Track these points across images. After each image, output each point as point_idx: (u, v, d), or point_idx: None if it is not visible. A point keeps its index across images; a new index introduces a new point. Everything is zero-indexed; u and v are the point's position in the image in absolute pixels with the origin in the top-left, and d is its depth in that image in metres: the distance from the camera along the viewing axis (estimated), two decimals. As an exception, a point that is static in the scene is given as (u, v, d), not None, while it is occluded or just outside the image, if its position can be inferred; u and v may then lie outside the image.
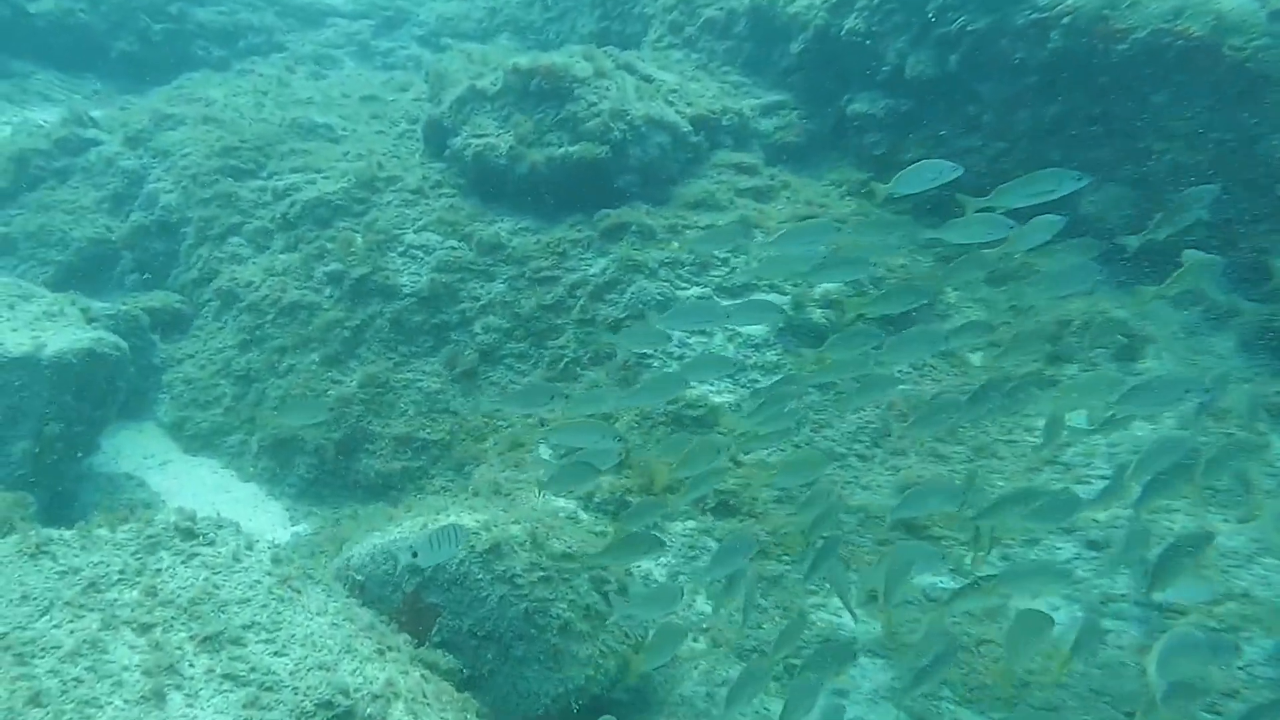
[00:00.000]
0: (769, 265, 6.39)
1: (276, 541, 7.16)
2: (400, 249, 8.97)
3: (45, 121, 12.15)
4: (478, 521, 5.68)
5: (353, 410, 8.02)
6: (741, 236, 6.88)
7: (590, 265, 8.53)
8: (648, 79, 9.55)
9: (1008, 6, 7.45)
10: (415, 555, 4.43)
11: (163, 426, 8.69)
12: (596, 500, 7.01)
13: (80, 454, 7.21)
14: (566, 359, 8.15)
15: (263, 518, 7.66)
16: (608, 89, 9.09)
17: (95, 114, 12.02)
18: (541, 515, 6.40)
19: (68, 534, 4.52)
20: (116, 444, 8.25)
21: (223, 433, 8.49)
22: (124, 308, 8.74)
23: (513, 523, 5.81)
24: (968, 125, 8.06)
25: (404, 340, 8.52)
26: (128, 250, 10.04)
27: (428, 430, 7.98)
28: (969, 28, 7.66)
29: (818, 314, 7.75)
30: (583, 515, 7.00)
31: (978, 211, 4.99)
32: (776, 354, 7.66)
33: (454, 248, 8.90)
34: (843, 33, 8.80)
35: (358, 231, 9.16)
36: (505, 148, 9.13)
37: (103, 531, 4.64)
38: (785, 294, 7.96)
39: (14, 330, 7.16)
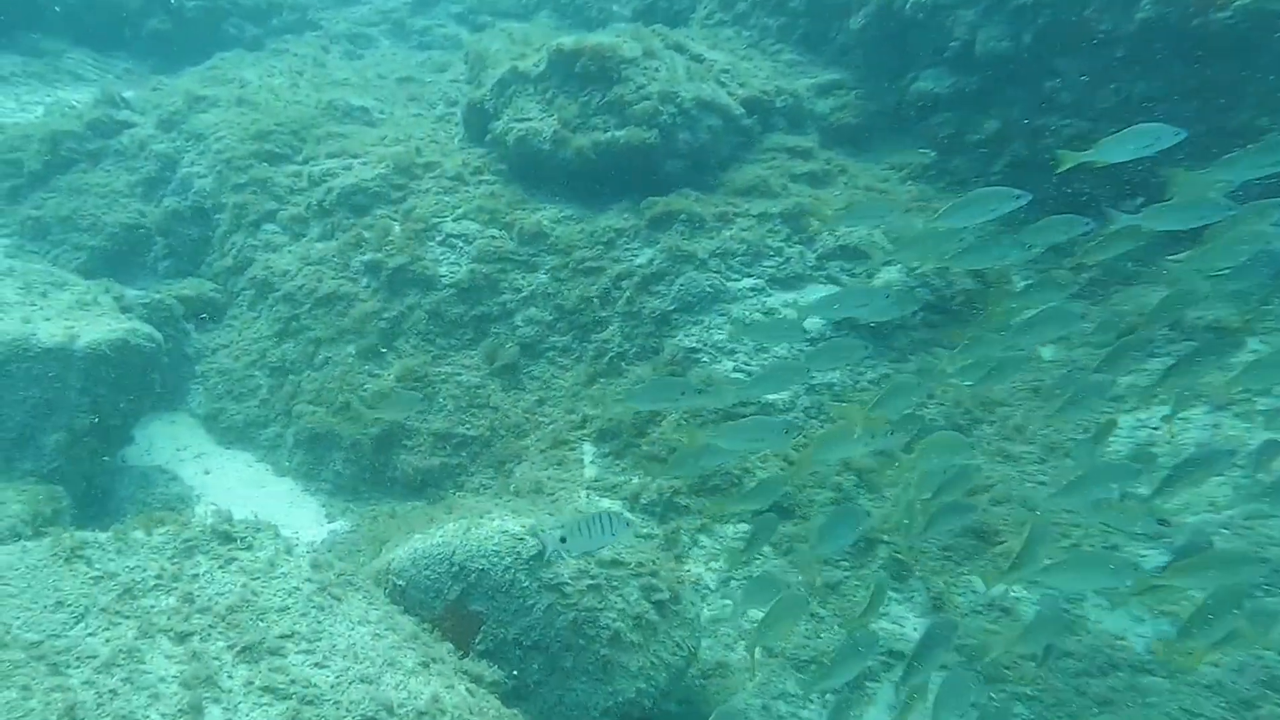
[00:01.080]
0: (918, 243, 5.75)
1: (313, 540, 7.21)
2: (439, 238, 8.91)
3: (77, 102, 12.29)
4: (523, 526, 5.61)
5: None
6: (887, 212, 6.50)
7: (637, 255, 8.40)
8: (698, 59, 9.37)
9: (1091, -25, 7.18)
10: (564, 540, 4.36)
11: (196, 418, 8.75)
12: (644, 501, 6.92)
13: (114, 447, 7.25)
14: (611, 353, 8.04)
15: (298, 514, 7.67)
16: (657, 70, 8.94)
17: (128, 94, 12.12)
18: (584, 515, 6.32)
19: (102, 537, 4.51)
20: (150, 435, 8.31)
21: (258, 425, 8.51)
22: (157, 296, 8.80)
23: (559, 527, 5.73)
24: (1044, 103, 7.78)
25: (443, 333, 8.47)
26: (161, 236, 10.11)
27: (467, 426, 7.93)
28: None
29: (877, 309, 7.54)
30: (630, 517, 6.90)
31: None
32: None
33: (494, 236, 8.82)
34: (907, 7, 8.55)
35: (395, 220, 9.13)
36: (549, 132, 9.02)
37: (138, 534, 4.63)
38: (843, 285, 7.78)
39: (47, 320, 7.21)
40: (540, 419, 7.94)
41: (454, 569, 5.42)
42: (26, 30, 14.05)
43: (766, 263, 8.07)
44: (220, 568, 4.61)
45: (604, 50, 8.99)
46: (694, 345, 7.76)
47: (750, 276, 8.05)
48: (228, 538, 4.84)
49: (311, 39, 15.28)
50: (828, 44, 9.83)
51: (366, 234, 9.07)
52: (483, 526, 5.66)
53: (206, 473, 8.03)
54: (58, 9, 14.48)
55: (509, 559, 5.40)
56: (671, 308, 8.00)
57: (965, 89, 8.26)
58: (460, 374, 8.24)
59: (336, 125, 10.80)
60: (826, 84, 9.60)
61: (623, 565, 5.56)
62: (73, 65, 14.13)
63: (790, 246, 8.10)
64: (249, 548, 4.88)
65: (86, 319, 7.34)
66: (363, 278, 8.86)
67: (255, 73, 12.05)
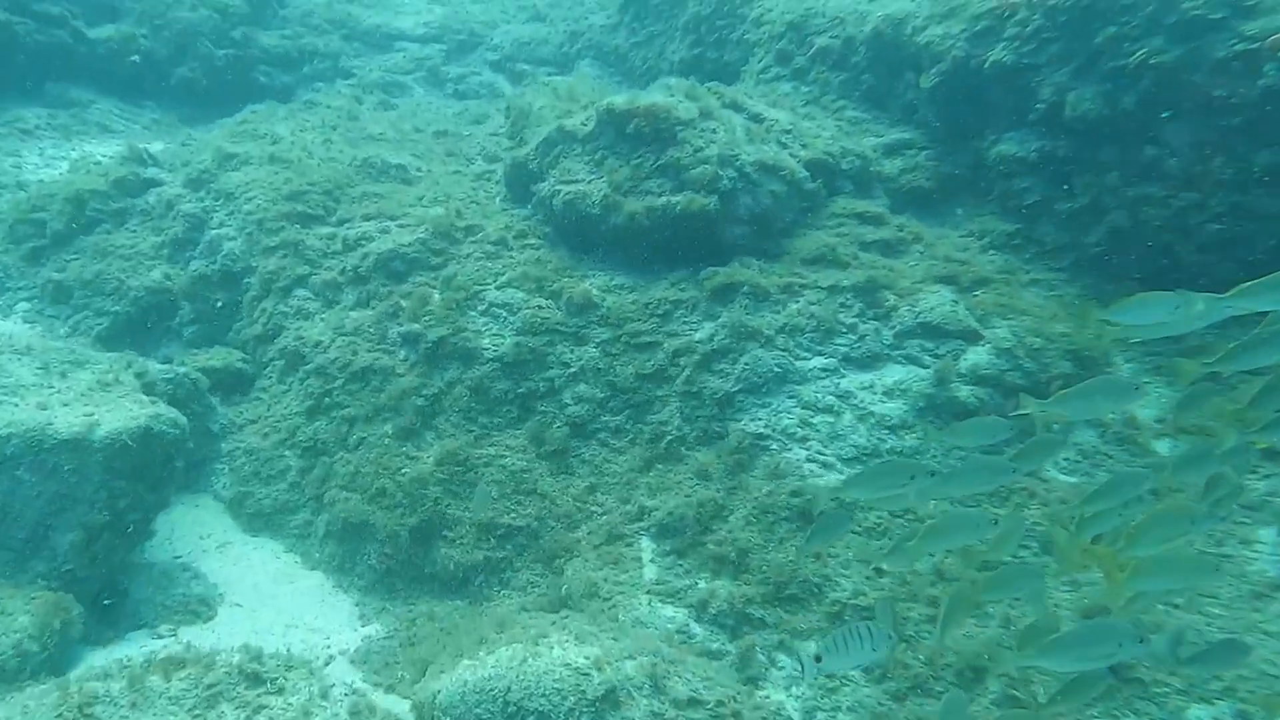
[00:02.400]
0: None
1: (346, 647, 6.67)
2: (481, 307, 8.45)
3: (103, 156, 12.02)
4: (586, 658, 5.05)
5: (429, 492, 7.47)
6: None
7: (696, 329, 7.89)
8: (757, 118, 8.91)
9: (1206, 35, 6.63)
10: (820, 659, 3.88)
11: (221, 501, 8.27)
12: (712, 610, 6.33)
13: (133, 545, 6.77)
14: (670, 436, 7.51)
15: (330, 614, 7.15)
16: (714, 131, 8.49)
17: (155, 148, 11.86)
18: (653, 639, 5.75)
19: (115, 687, 4.00)
20: (171, 520, 7.83)
21: (287, 511, 8.02)
22: (182, 370, 8.37)
23: (627, 658, 5.16)
24: (1145, 171, 7.22)
25: (485, 411, 7.97)
26: (187, 301, 9.72)
27: (512, 515, 7.40)
28: (1152, 60, 6.85)
29: (965, 391, 6.98)
30: (695, 628, 6.32)
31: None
32: (918, 437, 6.90)
33: (540, 306, 8.34)
34: (986, 65, 8.06)
35: (435, 287, 8.68)
36: (599, 196, 8.57)
37: (155, 681, 4.12)
38: (925, 366, 7.22)
39: (65, 405, 6.78)
40: (593, 508, 7.40)
41: (509, 709, 4.87)
42: (55, 80, 13.88)
43: (839, 340, 7.53)
44: (248, 718, 4.08)
45: (658, 111, 8.56)
46: (761, 431, 7.20)
47: (821, 355, 7.51)
48: (257, 679, 4.33)
49: (344, 88, 15.03)
50: (894, 101, 9.36)
51: (404, 303, 8.62)
52: (541, 657, 5.11)
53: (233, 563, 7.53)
54: (86, 58, 14.31)
55: (572, 699, 4.84)
56: (735, 389, 7.46)
57: (1053, 153, 7.73)
58: (505, 456, 7.73)
59: (372, 184, 10.43)
60: (894, 143, 9.11)
61: (701, 705, 4.98)
62: (100, 116, 13.93)
63: (864, 323, 7.57)
64: (280, 691, 4.36)
65: (107, 403, 6.90)
66: (400, 350, 8.40)
67: (287, 127, 11.74)
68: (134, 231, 10.38)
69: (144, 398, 7.24)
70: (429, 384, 8.07)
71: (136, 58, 14.36)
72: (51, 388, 7.08)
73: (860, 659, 3.97)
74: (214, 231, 9.95)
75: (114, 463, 6.49)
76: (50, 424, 6.44)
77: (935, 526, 4.34)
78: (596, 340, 8.12)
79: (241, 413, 8.79)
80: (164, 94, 15.00)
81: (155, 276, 9.82)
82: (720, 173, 8.22)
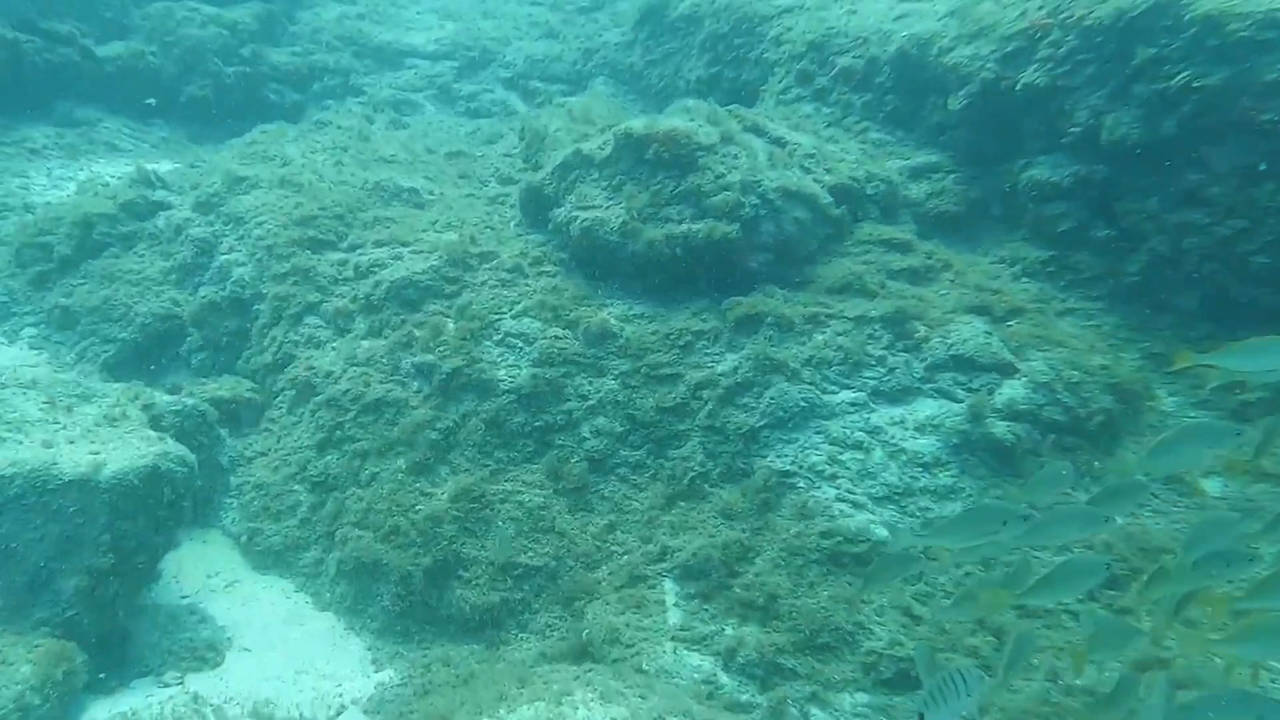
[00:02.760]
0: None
1: (358, 696, 6.43)
2: (497, 337, 8.24)
3: (112, 178, 11.87)
4: (612, 719, 4.81)
5: (444, 530, 7.25)
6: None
7: (718, 361, 7.67)
8: (780, 142, 8.70)
9: (1252, 57, 6.39)
10: (923, 716, 3.70)
11: (230, 537, 8.06)
12: (740, 660, 6.09)
13: (138, 588, 6.56)
14: (693, 473, 7.27)
15: (341, 659, 6.92)
16: (736, 157, 8.27)
17: (164, 168, 11.71)
18: (682, 696, 5.51)
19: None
20: (179, 557, 7.62)
21: (297, 548, 7.80)
22: (190, 402, 8.17)
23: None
24: (1187, 198, 6.98)
25: (501, 445, 7.75)
26: (196, 328, 9.53)
27: (530, 554, 7.16)
28: (1196, 84, 6.62)
29: (1001, 428, 6.72)
30: (723, 678, 6.08)
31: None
32: (952, 475, 6.65)
33: (557, 336, 8.12)
34: (1017, 87, 7.84)
35: (449, 316, 8.48)
36: (617, 223, 8.36)
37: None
38: (959, 401, 6.97)
39: (70, 442, 6.58)
40: (613, 547, 7.16)
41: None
42: (63, 98, 13.75)
43: (867, 373, 7.29)
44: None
45: (678, 136, 8.35)
46: (788, 468, 6.97)
47: (849, 389, 7.27)
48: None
49: (355, 106, 14.88)
50: (919, 123, 9.13)
51: (417, 332, 8.42)
52: (566, 719, 4.87)
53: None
54: (95, 76, 14.18)
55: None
56: (761, 423, 7.23)
57: (1089, 178, 7.49)
58: (521, 492, 7.50)
59: (384, 208, 10.24)
60: (921, 167, 8.89)
61: (735, 771, 4.73)
62: (108, 135, 13.78)
63: (894, 355, 7.33)
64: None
65: (113, 440, 6.70)
66: (413, 381, 8.19)
67: (297, 149, 11.58)
68: (142, 256, 10.20)
69: (151, 434, 7.04)
70: (443, 417, 7.85)
71: (152, 101, 14.25)
72: (57, 423, 6.88)
73: (961, 706, 3.75)
74: (223, 257, 9.76)
75: (120, 504, 6.29)
76: (55, 463, 6.24)
77: (1052, 573, 4.14)
78: (615, 372, 7.89)
79: (251, 445, 8.58)
80: (173, 112, 14.86)
81: (163, 302, 9.63)
82: (742, 199, 8.01)
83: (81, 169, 12.48)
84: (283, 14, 16.57)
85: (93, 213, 10.29)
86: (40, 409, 6.96)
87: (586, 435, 7.67)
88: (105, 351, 9.43)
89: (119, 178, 11.60)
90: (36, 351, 9.55)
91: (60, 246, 10.13)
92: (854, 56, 9.58)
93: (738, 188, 8.05)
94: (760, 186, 8.12)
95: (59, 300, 9.82)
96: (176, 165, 12.48)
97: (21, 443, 6.48)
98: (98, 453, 6.46)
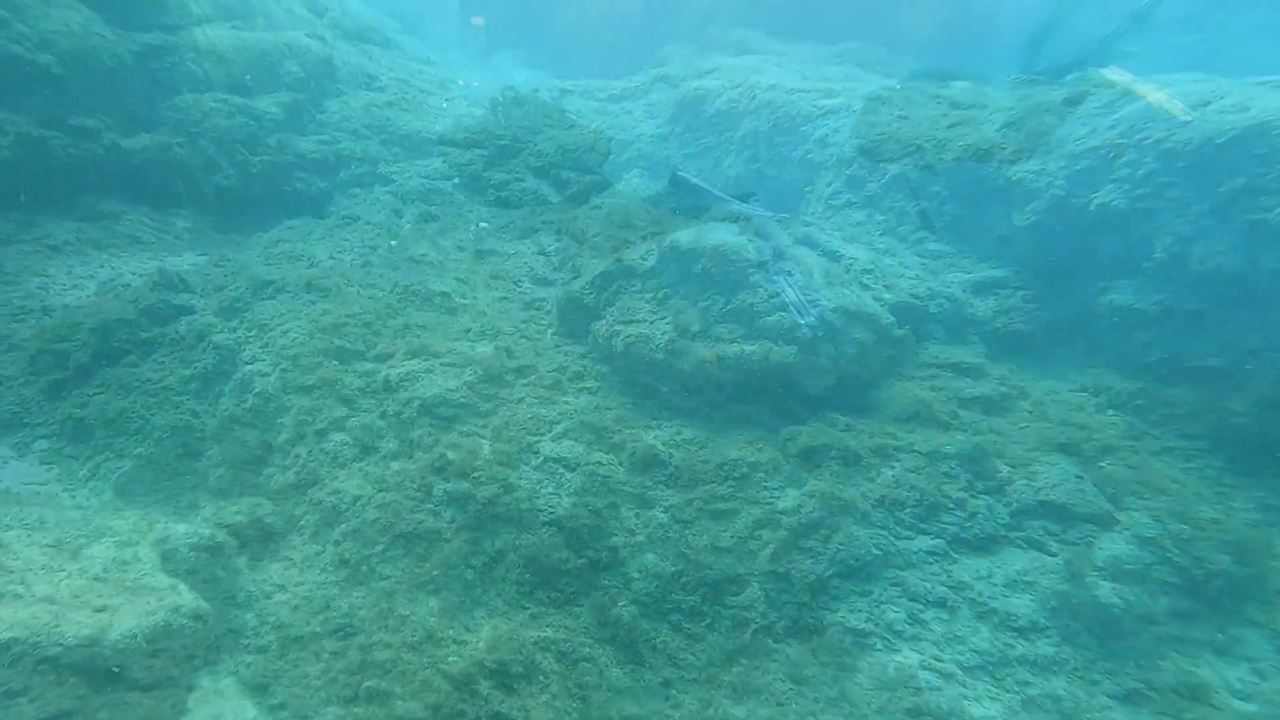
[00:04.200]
0: None
1: None
2: (535, 461, 7.62)
3: (133, 275, 11.40)
4: None
5: (480, 688, 6.52)
6: None
7: (779, 497, 7.01)
8: (835, 256, 8.17)
9: (1371, 194, 5.87)
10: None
11: (243, 685, 7.32)
12: None
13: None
14: (755, 625, 6.56)
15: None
16: (790, 273, 7.72)
17: (187, 265, 11.25)
18: None
19: None
20: (189, 707, 6.88)
21: (320, 702, 7.06)
22: (206, 533, 7.52)
23: None
24: (1295, 338, 6.40)
25: (541, 584, 7.07)
26: (215, 443, 8.92)
27: (572, 716, 6.42)
28: (1303, 219, 6.08)
29: (1105, 589, 6.01)
30: None
31: None
32: (1053, 644, 5.92)
33: (600, 462, 7.50)
34: (1091, 206, 7.30)
35: (485, 438, 7.86)
36: (663, 339, 7.80)
37: None
38: (1052, 554, 6.27)
39: (75, 596, 5.92)
40: (667, 713, 6.42)
41: None
42: (87, 192, 13.37)
43: (946, 518, 6.62)
44: None
45: (726, 251, 7.83)
46: (864, 627, 6.25)
47: (926, 535, 6.59)
48: None
49: (383, 195, 14.48)
50: (981, 234, 8.60)
51: (451, 455, 7.79)
52: None
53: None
54: (121, 169, 13.83)
55: None
56: (829, 571, 6.54)
57: (1178, 307, 6.90)
58: (564, 640, 6.79)
59: (415, 313, 9.70)
60: (985, 281, 8.33)
61: None
62: (130, 228, 13.34)
63: (974, 497, 6.66)
64: None
65: (122, 593, 6.04)
66: (446, 510, 7.54)
67: (325, 248, 11.11)
68: (161, 364, 9.64)
69: (163, 581, 6.39)
70: (478, 551, 7.20)
71: (183, 212, 13.92)
72: (62, 570, 6.24)
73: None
74: (247, 367, 9.21)
75: (128, 671, 5.61)
76: (57, 627, 5.58)
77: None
78: (664, 504, 7.24)
79: (269, 577, 7.90)
80: (198, 202, 14.49)
81: (182, 415, 9.05)
82: (800, 320, 7.43)
83: (102, 265, 12.02)
84: (310, 103, 16.32)
85: (112, 319, 9.77)
86: (44, 552, 6.34)
87: (634, 575, 6.99)
88: (120, 467, 8.81)
89: (140, 276, 11.13)
90: (47, 467, 8.95)
91: (77, 354, 9.58)
92: (908, 163, 9.09)
93: (794, 307, 7.48)
94: (818, 306, 7.55)
95: (73, 411, 9.24)
96: (201, 258, 12.04)
97: (21, 596, 5.84)
98: (103, 609, 5.81)
